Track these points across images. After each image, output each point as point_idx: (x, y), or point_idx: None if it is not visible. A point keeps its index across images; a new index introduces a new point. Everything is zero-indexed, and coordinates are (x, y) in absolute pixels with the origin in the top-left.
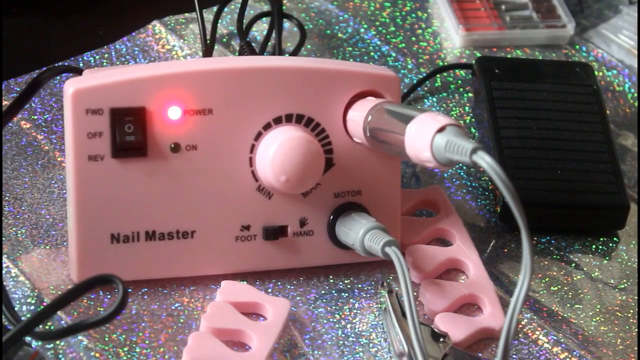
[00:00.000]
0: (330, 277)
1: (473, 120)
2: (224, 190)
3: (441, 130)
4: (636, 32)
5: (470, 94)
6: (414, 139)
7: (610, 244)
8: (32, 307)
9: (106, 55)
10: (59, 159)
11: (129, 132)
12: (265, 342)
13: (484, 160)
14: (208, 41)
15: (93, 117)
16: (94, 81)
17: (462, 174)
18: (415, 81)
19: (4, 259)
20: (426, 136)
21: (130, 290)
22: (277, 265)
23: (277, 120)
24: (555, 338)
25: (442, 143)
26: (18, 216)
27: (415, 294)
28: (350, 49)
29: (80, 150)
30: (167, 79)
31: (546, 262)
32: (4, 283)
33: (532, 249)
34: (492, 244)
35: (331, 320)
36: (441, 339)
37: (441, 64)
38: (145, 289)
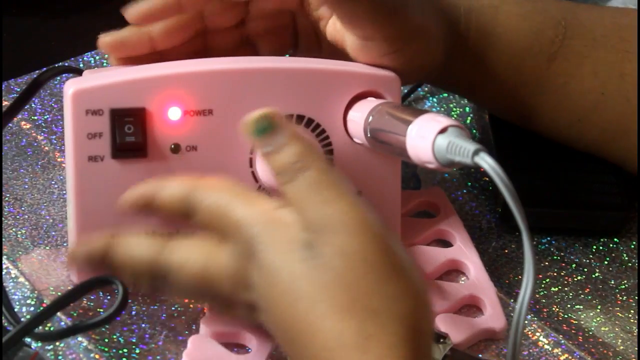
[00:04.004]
0: None
1: (474, 120)
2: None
3: (443, 131)
4: None
5: None
6: (416, 140)
7: (611, 245)
8: (32, 308)
9: (106, 56)
10: (59, 160)
11: (129, 133)
12: (265, 344)
13: (486, 162)
14: None
15: (93, 118)
16: (94, 82)
17: (462, 175)
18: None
19: (4, 260)
20: (428, 137)
21: (130, 290)
22: None
23: None
24: (555, 339)
25: (443, 144)
26: (18, 217)
27: None
28: None
29: (80, 151)
30: (168, 79)
31: (546, 263)
32: (4, 284)
33: (533, 252)
34: (492, 245)
35: None
36: (441, 340)
37: None
38: None
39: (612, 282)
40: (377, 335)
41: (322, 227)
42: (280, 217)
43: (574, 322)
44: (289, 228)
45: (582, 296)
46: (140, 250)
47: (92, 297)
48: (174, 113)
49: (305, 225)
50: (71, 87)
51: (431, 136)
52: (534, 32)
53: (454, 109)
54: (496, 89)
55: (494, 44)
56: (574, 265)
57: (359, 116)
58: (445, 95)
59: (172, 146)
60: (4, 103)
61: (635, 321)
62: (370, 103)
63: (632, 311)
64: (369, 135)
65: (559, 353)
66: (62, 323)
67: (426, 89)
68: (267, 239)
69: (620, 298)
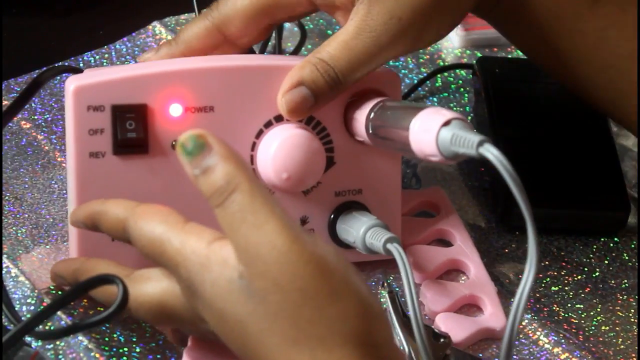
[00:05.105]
0: None
1: (474, 120)
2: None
3: (447, 124)
4: None
5: (471, 94)
6: (419, 134)
7: (611, 244)
8: (32, 307)
9: (106, 56)
10: (59, 159)
11: (130, 129)
12: None
13: (491, 153)
14: None
15: (94, 114)
16: (95, 78)
17: (463, 174)
18: (416, 81)
19: (4, 259)
20: (432, 130)
21: None
22: None
23: (278, 118)
24: (556, 338)
25: (447, 136)
26: (18, 216)
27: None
28: None
29: (82, 147)
30: (169, 76)
31: (547, 262)
32: (4, 283)
33: (537, 242)
34: (492, 244)
35: None
36: (442, 339)
37: (442, 64)
38: None
39: (613, 282)
40: None
41: (252, 257)
42: (214, 254)
43: (575, 321)
44: (225, 267)
45: (583, 295)
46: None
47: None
48: (175, 109)
49: (238, 255)
50: (72, 83)
51: (435, 129)
52: None
53: (454, 109)
54: (534, 21)
55: None
56: (574, 265)
57: (360, 113)
58: (446, 94)
59: (173, 142)
60: (4, 103)
61: (636, 320)
62: (370, 100)
63: (632, 310)
64: (370, 131)
65: (559, 352)
66: (62, 322)
67: (426, 88)
68: (205, 280)
69: (621, 297)
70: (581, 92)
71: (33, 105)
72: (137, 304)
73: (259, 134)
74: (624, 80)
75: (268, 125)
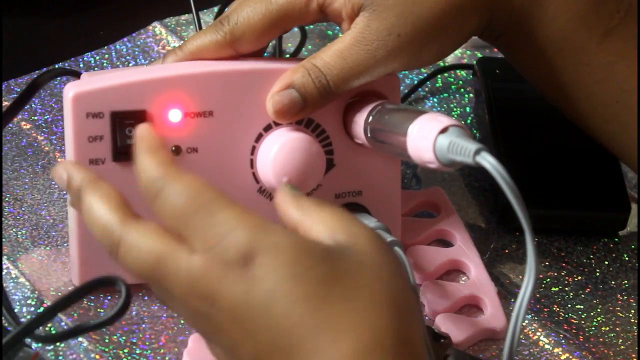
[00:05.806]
0: None
1: (474, 120)
2: (225, 192)
3: (444, 131)
4: None
5: (471, 95)
6: (416, 140)
7: (611, 245)
8: (32, 309)
9: (106, 56)
10: (59, 160)
11: (129, 136)
12: None
13: (488, 162)
14: None
15: (94, 121)
16: (94, 85)
17: (463, 174)
18: (416, 81)
19: (4, 260)
20: (429, 137)
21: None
22: None
23: (278, 122)
24: (556, 339)
25: (444, 144)
26: (18, 217)
27: None
28: None
29: (81, 154)
30: (168, 81)
31: (547, 263)
32: (4, 284)
33: (536, 252)
34: (492, 245)
35: None
36: (442, 340)
37: (442, 64)
38: (145, 290)
39: (613, 282)
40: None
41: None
42: (274, 227)
43: (575, 321)
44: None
45: (583, 296)
46: (100, 214)
47: (91, 297)
48: (175, 115)
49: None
50: (71, 90)
51: (432, 136)
52: (595, 1)
53: (455, 109)
54: (539, 53)
55: (547, 6)
56: (574, 265)
57: (359, 116)
58: (446, 95)
59: (173, 148)
60: (4, 103)
61: (636, 321)
62: (370, 103)
63: (632, 311)
64: (369, 135)
65: (560, 353)
66: (62, 323)
67: (427, 89)
68: (269, 262)
69: (621, 298)
70: (582, 123)
71: (33, 106)
72: (129, 250)
73: (259, 137)
74: (628, 115)
75: (267, 129)
